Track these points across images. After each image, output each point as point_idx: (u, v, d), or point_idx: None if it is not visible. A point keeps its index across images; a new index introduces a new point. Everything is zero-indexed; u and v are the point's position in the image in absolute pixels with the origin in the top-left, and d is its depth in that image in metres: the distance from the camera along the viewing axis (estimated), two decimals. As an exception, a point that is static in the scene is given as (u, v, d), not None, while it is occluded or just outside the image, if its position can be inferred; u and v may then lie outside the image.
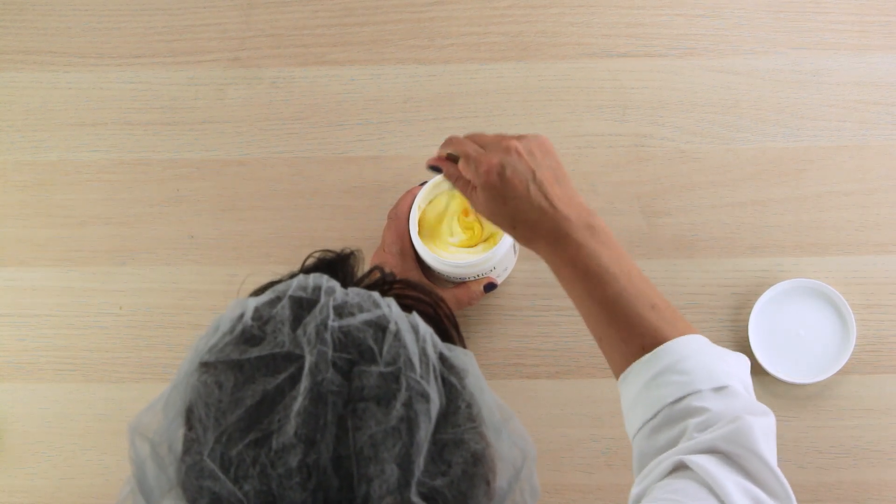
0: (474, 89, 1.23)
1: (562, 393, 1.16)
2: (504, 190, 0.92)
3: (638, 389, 0.86)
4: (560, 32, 1.23)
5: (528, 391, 1.17)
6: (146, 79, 1.25)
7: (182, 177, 1.23)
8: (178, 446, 0.65)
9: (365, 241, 1.19)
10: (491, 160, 0.92)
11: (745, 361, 0.89)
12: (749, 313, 1.14)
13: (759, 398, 0.90)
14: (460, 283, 1.14)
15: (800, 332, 1.14)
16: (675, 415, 0.83)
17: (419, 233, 1.12)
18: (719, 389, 0.83)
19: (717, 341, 1.15)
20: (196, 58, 1.25)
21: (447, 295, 1.13)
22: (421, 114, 1.22)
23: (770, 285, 1.15)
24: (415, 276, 1.13)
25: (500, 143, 0.93)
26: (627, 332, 0.87)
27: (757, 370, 1.13)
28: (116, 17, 1.26)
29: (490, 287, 1.14)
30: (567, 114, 1.22)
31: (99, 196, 1.23)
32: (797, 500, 0.79)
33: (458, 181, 0.97)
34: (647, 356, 0.86)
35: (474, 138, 0.96)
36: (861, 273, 1.17)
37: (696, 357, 0.85)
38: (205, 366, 0.65)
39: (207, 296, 1.20)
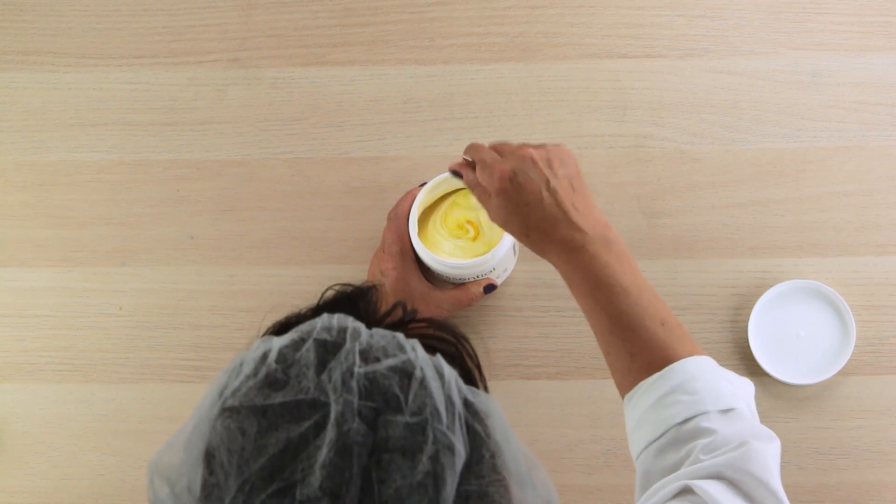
0: (474, 90, 1.23)
1: (562, 393, 1.16)
2: (516, 196, 0.91)
3: (644, 409, 0.85)
4: (560, 33, 1.23)
5: (528, 391, 1.16)
6: (146, 79, 1.25)
7: (182, 177, 1.22)
8: (198, 487, 0.63)
9: (365, 241, 1.19)
10: (504, 167, 0.92)
11: (750, 386, 0.88)
12: (749, 314, 1.14)
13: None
14: (460, 283, 1.14)
15: (800, 333, 1.14)
16: (683, 436, 0.83)
17: (419, 233, 1.12)
18: (726, 411, 0.83)
19: (717, 342, 1.16)
20: (196, 58, 1.25)
21: (446, 296, 1.13)
22: (421, 114, 1.22)
23: (770, 286, 1.15)
24: (414, 276, 1.13)
25: (516, 152, 0.93)
26: (636, 347, 0.87)
27: (757, 371, 1.14)
28: (116, 18, 1.26)
29: (490, 288, 1.14)
30: (567, 114, 1.21)
31: (99, 196, 1.23)
32: (798, 501, 0.79)
33: (476, 188, 0.96)
34: (655, 376, 0.86)
35: (496, 147, 0.96)
36: (861, 274, 1.17)
37: (704, 378, 0.85)
38: (228, 410, 0.63)
39: (207, 296, 1.20)
